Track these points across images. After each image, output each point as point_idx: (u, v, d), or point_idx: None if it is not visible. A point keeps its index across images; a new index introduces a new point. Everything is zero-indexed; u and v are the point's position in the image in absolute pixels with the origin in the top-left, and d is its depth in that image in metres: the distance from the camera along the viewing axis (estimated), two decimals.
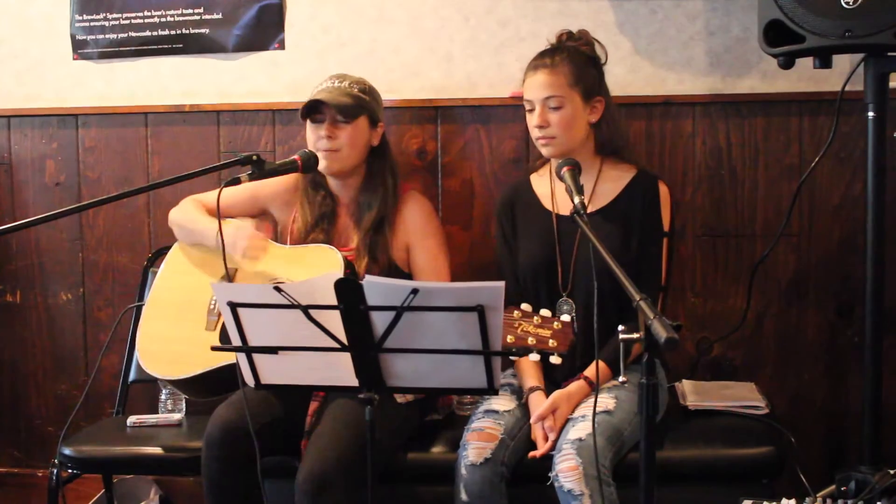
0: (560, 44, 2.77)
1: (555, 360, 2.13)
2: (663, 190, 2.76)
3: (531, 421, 2.61)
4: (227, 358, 2.68)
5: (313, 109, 2.82)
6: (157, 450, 2.83)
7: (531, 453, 2.57)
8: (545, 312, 2.14)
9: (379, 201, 2.85)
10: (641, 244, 2.71)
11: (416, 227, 2.88)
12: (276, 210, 2.99)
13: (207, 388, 2.81)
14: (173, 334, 2.82)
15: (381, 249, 2.82)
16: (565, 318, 2.13)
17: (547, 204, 2.81)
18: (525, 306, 2.15)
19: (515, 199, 2.87)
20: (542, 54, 2.74)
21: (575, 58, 2.71)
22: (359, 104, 2.83)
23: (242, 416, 2.53)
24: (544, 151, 2.73)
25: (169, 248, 3.00)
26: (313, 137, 2.84)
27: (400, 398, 2.74)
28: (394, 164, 2.94)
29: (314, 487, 2.47)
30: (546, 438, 2.56)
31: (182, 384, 2.80)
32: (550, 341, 2.12)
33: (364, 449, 2.17)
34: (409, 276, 2.87)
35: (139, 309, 3.01)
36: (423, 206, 2.93)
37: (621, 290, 1.98)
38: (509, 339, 2.13)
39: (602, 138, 2.76)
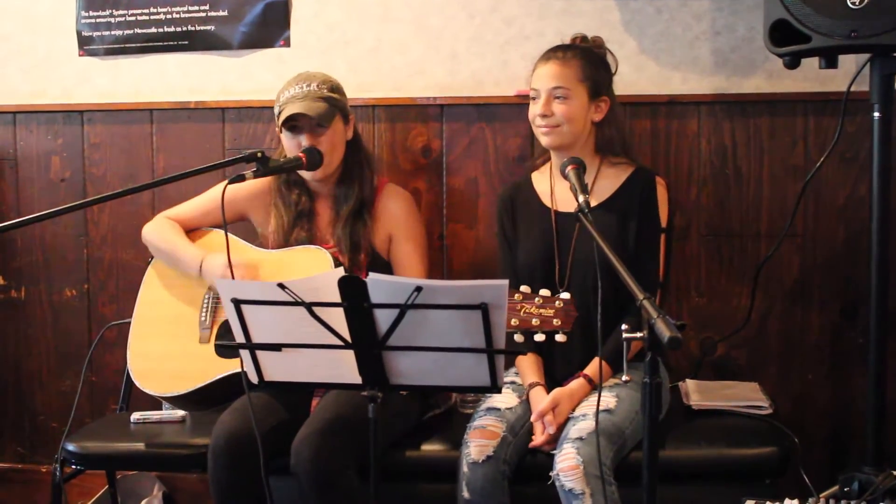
0: (574, 43, 2.79)
1: (560, 337, 2.15)
2: (661, 186, 2.76)
3: (532, 418, 2.61)
4: (225, 368, 2.69)
5: (292, 120, 2.80)
6: (161, 446, 2.83)
7: (531, 443, 2.58)
8: (545, 292, 2.16)
9: (356, 191, 2.86)
10: (639, 240, 2.71)
11: (399, 218, 2.91)
12: (253, 214, 2.98)
13: (206, 402, 2.81)
14: (167, 350, 2.81)
15: (362, 236, 2.83)
16: (565, 295, 2.16)
17: (546, 201, 2.82)
18: (524, 288, 2.17)
19: (516, 197, 2.87)
20: (556, 48, 2.77)
21: (587, 56, 2.74)
22: (332, 106, 2.82)
23: (247, 423, 2.53)
24: (543, 141, 2.74)
25: None
26: (293, 145, 2.82)
27: None
28: (369, 154, 2.97)
29: (317, 439, 2.51)
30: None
31: (181, 400, 2.78)
32: (555, 320, 2.14)
33: (364, 422, 2.17)
34: (389, 264, 2.89)
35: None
36: (403, 198, 2.96)
37: (620, 287, 1.98)
38: (513, 322, 2.14)
39: (603, 138, 2.77)
